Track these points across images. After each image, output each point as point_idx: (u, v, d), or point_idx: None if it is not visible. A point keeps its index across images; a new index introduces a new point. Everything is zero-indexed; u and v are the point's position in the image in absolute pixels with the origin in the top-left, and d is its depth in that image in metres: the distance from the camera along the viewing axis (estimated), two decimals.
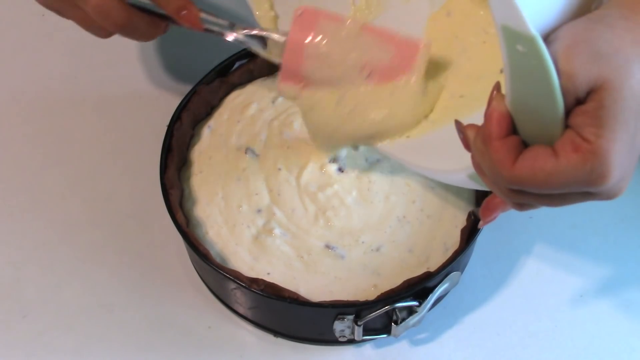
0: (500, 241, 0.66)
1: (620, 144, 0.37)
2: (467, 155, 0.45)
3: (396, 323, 0.56)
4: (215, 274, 0.55)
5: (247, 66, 0.68)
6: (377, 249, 0.59)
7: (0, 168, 0.70)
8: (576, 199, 0.41)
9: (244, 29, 0.58)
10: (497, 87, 0.41)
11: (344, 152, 0.63)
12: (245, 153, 0.64)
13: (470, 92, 0.58)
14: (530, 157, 0.39)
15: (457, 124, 0.44)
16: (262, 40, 0.58)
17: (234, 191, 0.62)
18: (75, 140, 0.72)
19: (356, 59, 0.57)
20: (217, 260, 0.57)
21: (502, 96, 0.40)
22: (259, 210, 0.61)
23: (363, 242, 0.60)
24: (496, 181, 0.42)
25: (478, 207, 0.59)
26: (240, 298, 0.58)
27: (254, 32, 0.58)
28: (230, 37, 0.58)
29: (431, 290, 0.56)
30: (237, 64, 0.68)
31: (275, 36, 0.58)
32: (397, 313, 0.56)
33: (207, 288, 0.63)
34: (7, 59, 0.80)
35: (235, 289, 0.57)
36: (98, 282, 0.63)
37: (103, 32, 0.57)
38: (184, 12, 0.56)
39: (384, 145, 0.60)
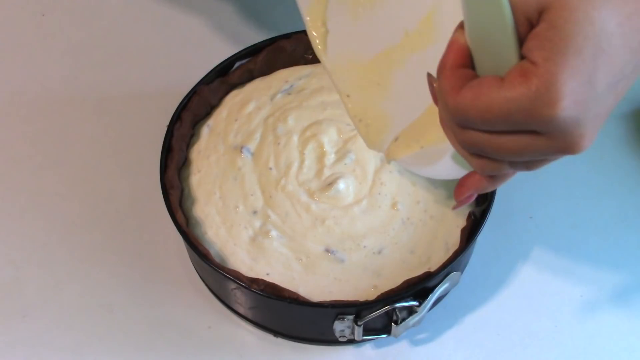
0: (500, 241, 0.66)
1: (572, 71, 0.34)
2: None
3: (396, 323, 0.56)
4: (215, 274, 0.55)
5: (246, 66, 0.68)
6: (379, 252, 0.59)
7: (0, 168, 0.70)
8: (528, 143, 0.37)
9: None
10: (461, 24, 0.39)
11: (350, 159, 0.63)
12: (241, 152, 0.64)
13: None
14: (475, 84, 0.37)
15: (428, 75, 0.43)
16: None
17: (230, 191, 0.62)
18: (75, 140, 0.72)
19: None
20: (217, 260, 0.57)
21: (463, 31, 0.38)
22: (255, 212, 0.61)
23: (365, 247, 0.60)
24: (446, 118, 0.39)
25: (478, 207, 0.59)
26: (240, 298, 0.58)
27: None
28: None
29: (431, 290, 0.56)
30: (237, 64, 0.68)
31: None
32: (397, 313, 0.56)
33: (207, 288, 0.63)
34: (7, 59, 0.79)
35: (235, 289, 0.57)
36: (98, 282, 0.63)
37: None
38: None
39: (404, 159, 0.58)
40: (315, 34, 0.61)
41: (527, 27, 0.36)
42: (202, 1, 0.83)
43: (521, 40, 0.36)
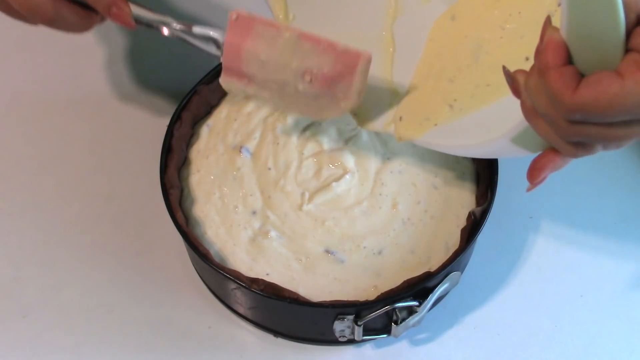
0: (500, 241, 0.66)
1: None
2: (505, 124, 0.45)
3: (396, 323, 0.56)
4: (215, 274, 0.55)
5: None
6: (379, 252, 0.59)
7: (0, 168, 0.70)
8: (638, 129, 0.39)
9: (181, 24, 0.57)
10: (548, 20, 0.40)
11: (351, 160, 0.63)
12: (240, 152, 0.64)
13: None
14: (593, 81, 0.38)
15: (505, 69, 0.43)
16: (202, 38, 0.57)
17: (230, 191, 0.62)
18: (75, 140, 0.72)
19: (296, 66, 0.56)
20: (216, 260, 0.57)
21: (555, 27, 0.39)
22: (254, 212, 0.61)
23: (365, 247, 0.59)
24: (553, 116, 0.40)
25: (478, 207, 0.59)
26: (240, 298, 0.58)
27: (193, 28, 0.57)
28: (166, 31, 0.57)
29: (431, 290, 0.56)
30: None
31: (212, 33, 0.57)
32: (397, 313, 0.56)
33: (207, 288, 0.63)
34: (7, 59, 0.80)
35: (235, 289, 0.57)
36: (98, 282, 0.63)
37: (31, 22, 0.55)
38: (114, 9, 0.54)
39: (420, 138, 0.59)
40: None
41: (635, 24, 0.37)
42: (203, 1, 0.83)
43: (627, 34, 0.37)
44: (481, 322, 0.62)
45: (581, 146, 0.42)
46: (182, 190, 0.62)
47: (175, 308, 0.62)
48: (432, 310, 0.58)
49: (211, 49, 0.57)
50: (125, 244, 0.65)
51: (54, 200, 0.68)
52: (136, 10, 0.55)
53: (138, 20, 0.56)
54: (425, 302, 0.55)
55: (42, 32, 0.81)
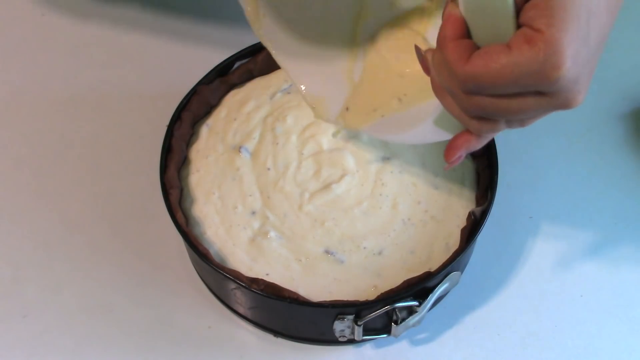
0: (500, 241, 0.66)
1: (572, 35, 0.38)
2: (432, 111, 0.47)
3: (396, 323, 0.56)
4: (215, 274, 0.55)
5: (246, 66, 0.68)
6: (379, 253, 0.59)
7: (0, 168, 0.70)
8: (532, 103, 0.40)
9: None
10: None
11: (350, 160, 0.63)
12: (240, 151, 0.64)
13: None
14: (484, 53, 0.40)
15: (417, 48, 0.46)
16: None
17: (229, 191, 0.62)
18: (75, 140, 0.72)
19: None
20: (216, 260, 0.57)
21: (456, 4, 0.41)
22: (253, 212, 0.61)
23: (365, 248, 0.59)
24: (452, 88, 0.42)
25: (478, 207, 0.59)
26: (240, 298, 0.58)
27: None
28: None
29: (431, 290, 0.56)
30: (237, 64, 0.68)
31: None
32: (397, 313, 0.56)
33: (207, 288, 0.63)
34: (7, 59, 0.80)
35: (235, 288, 0.57)
36: (98, 282, 0.63)
37: None
38: None
39: (365, 127, 0.60)
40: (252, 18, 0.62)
41: (523, 1, 0.39)
42: (203, 1, 0.83)
43: (517, 11, 0.39)
44: (481, 322, 0.62)
45: (484, 121, 0.44)
46: (181, 190, 0.62)
47: (175, 308, 0.62)
48: (432, 310, 0.58)
49: None
50: (125, 244, 0.65)
51: (54, 200, 0.68)
52: None
53: None
54: (425, 302, 0.55)
55: (42, 32, 0.81)
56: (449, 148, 0.48)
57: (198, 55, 0.77)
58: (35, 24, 0.82)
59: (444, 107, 0.46)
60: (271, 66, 0.69)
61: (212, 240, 0.60)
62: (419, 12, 0.61)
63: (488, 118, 0.43)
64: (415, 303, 0.55)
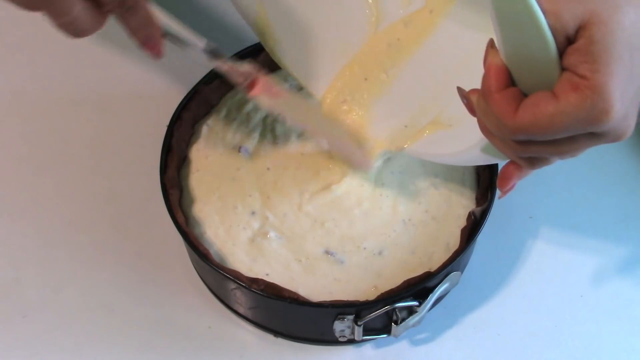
0: (500, 241, 0.66)
1: (617, 77, 0.37)
2: (478, 134, 0.46)
3: (396, 323, 0.56)
4: (215, 274, 0.55)
5: None
6: (380, 253, 0.59)
7: (0, 168, 0.70)
8: (584, 142, 0.40)
9: (213, 54, 0.56)
10: (491, 43, 0.41)
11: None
12: (239, 151, 0.64)
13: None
14: (531, 103, 0.39)
15: (460, 90, 0.45)
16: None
17: (229, 191, 0.62)
18: (75, 140, 0.72)
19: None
20: (216, 260, 0.57)
21: (496, 51, 0.41)
22: (253, 213, 0.61)
23: (365, 248, 0.59)
24: (502, 136, 0.42)
25: (478, 207, 0.59)
26: (240, 298, 0.58)
27: (225, 61, 0.57)
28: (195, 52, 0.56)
29: (431, 290, 0.56)
30: None
31: (242, 68, 0.57)
32: (397, 313, 0.56)
33: (207, 288, 0.63)
34: (7, 59, 0.79)
35: (235, 289, 0.57)
36: (98, 282, 0.63)
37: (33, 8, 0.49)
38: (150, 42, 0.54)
39: (412, 148, 0.60)
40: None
41: (565, 44, 0.38)
42: (202, 1, 0.83)
43: (560, 55, 0.39)
44: (481, 322, 0.62)
45: (537, 160, 0.44)
46: (181, 190, 0.62)
47: (175, 308, 0.62)
48: (432, 310, 0.58)
49: (238, 77, 0.58)
50: (125, 244, 0.65)
51: (54, 200, 0.68)
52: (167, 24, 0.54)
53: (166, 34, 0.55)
54: (425, 302, 0.55)
55: (42, 32, 0.81)
56: (501, 178, 0.48)
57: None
58: (35, 24, 0.82)
59: (495, 146, 0.45)
60: (271, 66, 0.69)
61: (211, 240, 0.60)
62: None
63: (540, 157, 0.44)
64: (415, 303, 0.55)
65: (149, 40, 0.53)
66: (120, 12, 0.48)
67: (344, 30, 0.64)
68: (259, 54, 0.68)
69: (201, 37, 0.55)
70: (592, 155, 0.71)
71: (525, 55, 0.39)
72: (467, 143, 0.52)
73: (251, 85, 0.57)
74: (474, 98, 0.44)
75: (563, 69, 0.39)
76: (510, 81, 0.41)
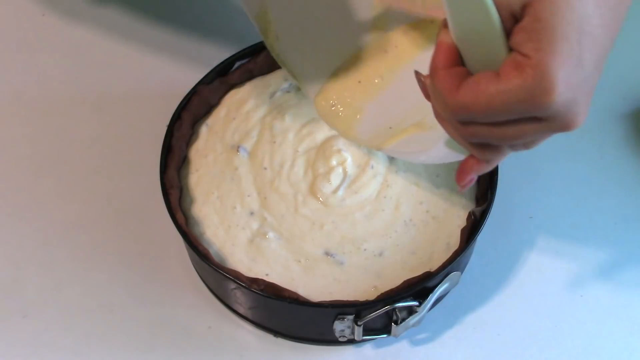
0: (500, 241, 0.66)
1: (561, 57, 0.36)
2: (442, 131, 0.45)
3: (396, 323, 0.56)
4: (215, 274, 0.55)
5: (246, 66, 0.68)
6: (380, 254, 0.59)
7: (0, 168, 0.70)
8: (529, 128, 0.39)
9: None
10: (444, 23, 0.41)
11: (349, 160, 0.63)
12: (238, 151, 0.64)
13: None
14: (472, 81, 0.38)
15: (417, 73, 0.45)
16: None
17: (228, 191, 0.62)
18: (75, 140, 0.72)
19: None
20: (216, 260, 0.57)
21: (448, 30, 0.40)
22: (252, 213, 0.61)
23: (365, 250, 0.59)
24: (446, 116, 0.41)
25: (478, 207, 0.59)
26: (240, 298, 0.58)
27: None
28: None
29: (431, 290, 0.56)
30: (237, 64, 0.68)
31: None
32: (397, 313, 0.56)
33: (207, 288, 0.63)
34: (7, 59, 0.79)
35: (235, 289, 0.57)
36: (98, 282, 0.63)
37: None
38: None
39: (391, 148, 0.60)
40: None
41: (512, 22, 0.38)
42: (202, 1, 0.83)
43: (507, 35, 0.38)
44: (481, 322, 0.62)
45: (487, 147, 0.42)
46: (181, 190, 0.62)
47: (175, 308, 0.62)
48: (432, 310, 0.58)
49: None
50: (125, 244, 0.65)
51: (54, 200, 0.68)
52: None
53: None
54: (425, 302, 0.55)
55: (42, 32, 0.81)
56: (459, 172, 0.47)
57: (198, 55, 0.77)
58: (36, 24, 0.82)
59: (447, 132, 0.45)
60: (271, 66, 0.69)
61: (211, 240, 0.60)
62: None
63: (489, 144, 0.42)
64: (415, 303, 0.55)
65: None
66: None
67: (345, 31, 0.64)
68: (258, 54, 0.68)
69: None
70: (592, 155, 0.71)
71: (471, 34, 0.38)
72: (436, 138, 0.52)
73: None
74: (428, 81, 0.43)
75: (511, 49, 0.38)
76: (459, 61, 0.40)
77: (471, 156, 0.45)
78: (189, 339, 0.61)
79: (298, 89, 0.68)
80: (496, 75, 0.38)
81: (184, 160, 0.64)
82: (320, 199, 0.61)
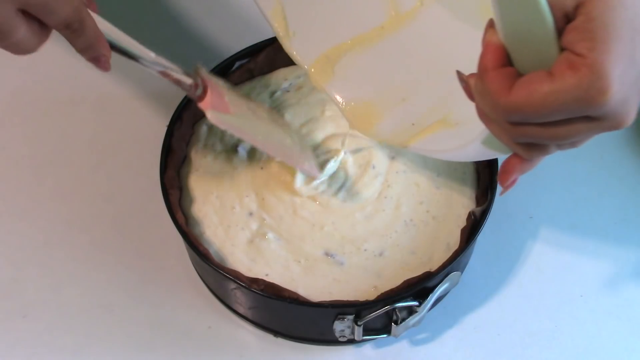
0: (500, 241, 0.66)
1: (616, 56, 0.36)
2: (480, 127, 0.45)
3: (396, 323, 0.56)
4: (215, 274, 0.55)
5: (247, 66, 0.68)
6: (380, 254, 0.59)
7: (0, 168, 0.70)
8: (581, 127, 0.39)
9: (158, 64, 0.55)
10: (490, 23, 0.40)
11: (350, 159, 0.63)
12: (237, 151, 0.64)
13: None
14: (525, 81, 0.38)
15: (459, 73, 0.44)
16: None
17: (227, 191, 0.62)
18: (74, 140, 0.72)
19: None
20: (216, 260, 0.57)
21: (495, 30, 0.40)
22: (251, 214, 0.61)
23: (366, 250, 0.59)
24: (496, 117, 0.41)
25: (478, 207, 0.59)
26: (240, 298, 0.58)
27: (171, 72, 0.55)
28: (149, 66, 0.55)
29: (431, 290, 0.56)
30: (237, 64, 0.68)
31: (188, 81, 0.55)
32: (397, 313, 0.56)
33: (207, 288, 0.63)
34: (7, 59, 0.79)
35: (235, 289, 0.57)
36: (98, 282, 0.63)
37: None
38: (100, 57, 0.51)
39: (417, 145, 0.60)
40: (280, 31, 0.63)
41: (564, 22, 0.37)
42: (202, 1, 0.83)
43: (559, 34, 0.37)
44: (481, 322, 0.62)
45: (534, 147, 0.42)
46: (181, 190, 0.62)
47: (175, 308, 0.62)
48: (432, 310, 0.58)
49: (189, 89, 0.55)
50: (125, 244, 0.65)
51: (54, 200, 0.68)
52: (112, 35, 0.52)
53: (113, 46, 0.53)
54: (425, 302, 0.55)
55: None
56: (502, 172, 0.46)
57: (198, 56, 0.77)
58: None
59: (492, 133, 0.44)
60: (271, 66, 0.69)
61: (211, 240, 0.60)
62: None
63: (537, 144, 0.42)
64: (415, 303, 0.55)
65: (97, 58, 0.51)
66: (66, 34, 0.47)
67: (357, 19, 0.64)
68: (258, 54, 0.68)
69: (149, 50, 0.54)
70: (592, 155, 0.71)
71: (522, 34, 0.38)
72: (469, 137, 0.51)
73: (202, 96, 0.56)
74: (472, 81, 0.43)
75: (562, 48, 0.38)
76: (507, 61, 0.40)
77: (514, 155, 0.45)
78: (189, 339, 0.61)
79: (298, 89, 0.68)
80: (549, 75, 0.37)
81: (184, 160, 0.64)
82: (318, 202, 0.61)
